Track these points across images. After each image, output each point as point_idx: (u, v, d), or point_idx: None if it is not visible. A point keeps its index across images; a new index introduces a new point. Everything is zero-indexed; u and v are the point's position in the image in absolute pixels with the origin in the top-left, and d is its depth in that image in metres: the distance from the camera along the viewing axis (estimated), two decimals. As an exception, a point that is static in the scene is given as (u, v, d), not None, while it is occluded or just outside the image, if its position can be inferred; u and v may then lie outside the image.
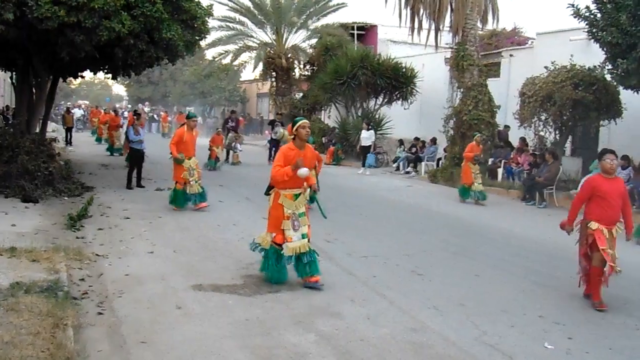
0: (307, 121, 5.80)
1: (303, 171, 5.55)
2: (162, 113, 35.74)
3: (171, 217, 9.16)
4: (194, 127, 9.90)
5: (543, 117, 14.31)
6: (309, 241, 5.79)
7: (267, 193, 5.87)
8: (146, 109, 41.85)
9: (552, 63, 13.97)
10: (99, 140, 23.52)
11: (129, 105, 54.11)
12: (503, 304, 5.63)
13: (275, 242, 5.73)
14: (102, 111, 28.82)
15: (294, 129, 5.74)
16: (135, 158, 12.21)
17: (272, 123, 19.14)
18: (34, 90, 13.23)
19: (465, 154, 12.63)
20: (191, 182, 9.56)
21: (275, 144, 17.85)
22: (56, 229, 7.73)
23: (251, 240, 6.18)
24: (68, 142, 22.64)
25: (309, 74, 26.02)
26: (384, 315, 5.13)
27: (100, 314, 4.82)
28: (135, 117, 13.46)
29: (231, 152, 18.21)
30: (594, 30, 11.43)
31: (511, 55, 18.79)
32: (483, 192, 12.46)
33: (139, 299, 5.22)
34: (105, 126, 21.93)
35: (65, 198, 10.19)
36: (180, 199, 9.62)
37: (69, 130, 23.45)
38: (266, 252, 5.82)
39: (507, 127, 16.58)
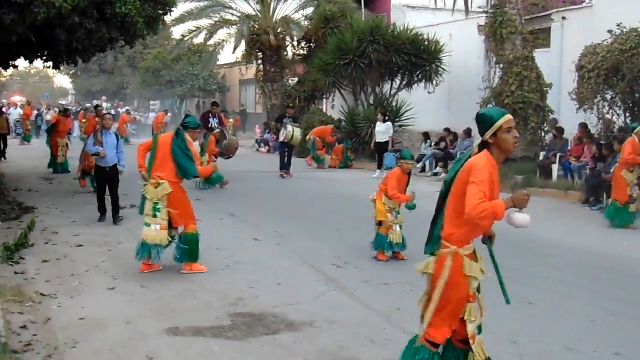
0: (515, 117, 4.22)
1: (519, 219, 4.08)
2: (120, 110, 35.56)
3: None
4: (196, 139, 8.35)
5: (609, 96, 14.29)
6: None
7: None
8: (105, 105, 41.40)
9: (618, 26, 13.96)
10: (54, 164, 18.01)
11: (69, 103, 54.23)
12: (566, 339, 5.61)
13: (432, 341, 4.08)
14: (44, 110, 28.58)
15: (491, 132, 3.98)
16: (101, 178, 10.85)
17: (280, 120, 18.61)
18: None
19: (626, 157, 10.55)
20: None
21: (287, 147, 17.57)
22: (-12, 263, 7.73)
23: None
24: (1, 153, 22.45)
25: (305, 53, 26.09)
26: (414, 358, 5.12)
27: (49, 370, 4.82)
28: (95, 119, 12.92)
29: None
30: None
31: (564, 19, 18.78)
32: None
33: (99, 350, 5.22)
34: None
35: (-1, 223, 10.23)
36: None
37: (2, 138, 22.44)
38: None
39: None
